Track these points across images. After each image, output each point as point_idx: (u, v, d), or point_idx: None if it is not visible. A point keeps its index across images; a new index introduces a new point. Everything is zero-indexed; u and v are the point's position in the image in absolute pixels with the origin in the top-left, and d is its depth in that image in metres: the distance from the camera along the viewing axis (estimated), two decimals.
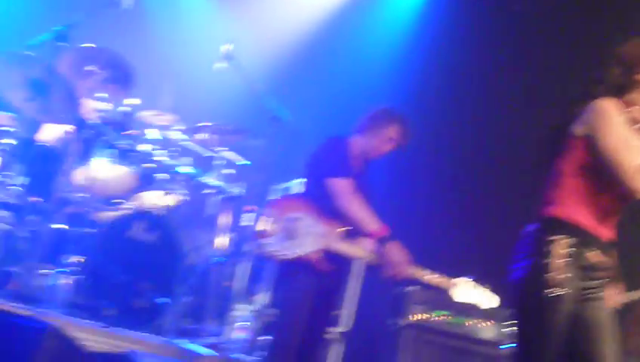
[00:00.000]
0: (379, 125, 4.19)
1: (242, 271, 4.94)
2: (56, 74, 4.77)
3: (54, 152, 4.84)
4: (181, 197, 5.26)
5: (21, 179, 4.62)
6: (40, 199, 4.67)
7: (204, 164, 5.58)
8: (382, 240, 3.80)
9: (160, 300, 4.66)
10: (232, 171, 5.55)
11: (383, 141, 4.18)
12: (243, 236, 5.25)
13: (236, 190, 5.41)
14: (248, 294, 4.96)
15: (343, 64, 6.81)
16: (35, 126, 4.99)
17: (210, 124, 5.49)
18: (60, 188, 4.72)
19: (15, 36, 4.94)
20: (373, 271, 3.90)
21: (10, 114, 4.83)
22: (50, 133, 4.97)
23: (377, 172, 4.52)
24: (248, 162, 5.59)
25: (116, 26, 5.69)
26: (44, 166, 4.77)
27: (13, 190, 4.58)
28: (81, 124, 4.94)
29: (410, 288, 4.60)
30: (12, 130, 4.70)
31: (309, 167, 4.09)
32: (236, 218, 5.35)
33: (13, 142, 4.65)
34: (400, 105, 4.43)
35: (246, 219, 5.23)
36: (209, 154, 5.59)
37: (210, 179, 5.40)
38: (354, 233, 3.89)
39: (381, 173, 4.81)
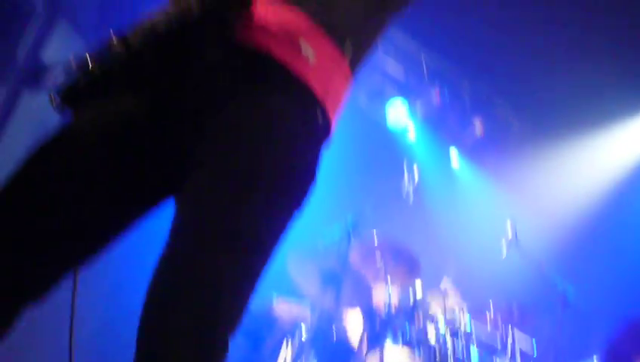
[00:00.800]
0: None
1: None
2: (347, 264, 5.03)
3: (347, 341, 5.01)
4: None
5: None
6: None
7: (493, 348, 5.43)
8: None
9: None
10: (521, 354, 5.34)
11: None
12: None
13: None
14: None
15: (631, 236, 6.47)
16: (327, 316, 5.23)
17: (495, 309, 5.40)
18: None
19: (308, 230, 5.33)
20: None
21: (305, 305, 5.13)
22: (345, 321, 5.17)
23: None
24: (534, 353, 5.34)
25: (400, 215, 5.95)
26: (338, 354, 4.93)
27: None
28: (371, 312, 5.09)
29: None
30: (307, 320, 4.97)
31: (610, 352, 3.85)
32: None
33: (306, 333, 4.89)
34: None
35: None
36: (497, 337, 5.45)
37: None
38: None
39: None
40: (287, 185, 1.57)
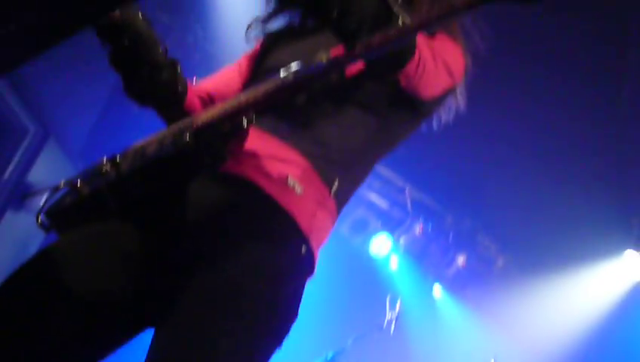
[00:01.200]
0: None
1: None
2: None
3: None
4: None
5: None
6: None
7: None
8: None
9: None
10: None
11: None
12: None
13: None
14: None
15: None
16: None
17: None
18: None
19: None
20: None
21: None
22: None
23: None
24: None
25: (381, 347, 5.86)
26: None
27: None
28: None
29: None
30: None
31: None
32: None
33: None
34: None
35: None
36: None
37: None
38: None
39: None
40: (270, 325, 1.56)
